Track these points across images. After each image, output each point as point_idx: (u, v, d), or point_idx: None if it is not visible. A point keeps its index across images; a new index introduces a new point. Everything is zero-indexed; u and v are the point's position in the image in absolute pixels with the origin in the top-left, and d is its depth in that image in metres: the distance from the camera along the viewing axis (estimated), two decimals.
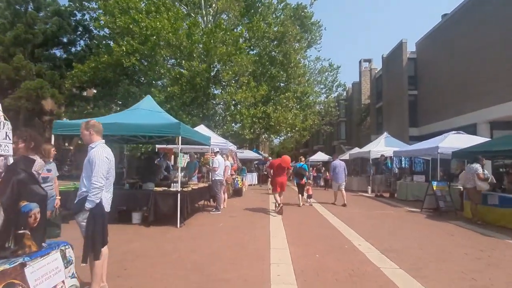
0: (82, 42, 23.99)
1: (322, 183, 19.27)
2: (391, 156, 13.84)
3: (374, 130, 26.74)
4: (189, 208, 6.12)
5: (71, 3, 21.38)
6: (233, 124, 19.58)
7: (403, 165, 13.63)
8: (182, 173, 10.84)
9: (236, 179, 11.63)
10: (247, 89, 18.48)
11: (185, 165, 9.75)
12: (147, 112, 7.09)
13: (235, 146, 14.81)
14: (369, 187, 14.42)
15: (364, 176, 16.57)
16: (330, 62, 31.12)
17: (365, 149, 16.08)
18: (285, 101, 21.01)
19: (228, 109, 19.64)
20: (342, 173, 10.22)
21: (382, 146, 15.08)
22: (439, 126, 17.94)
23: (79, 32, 23.77)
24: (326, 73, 31.72)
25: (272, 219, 7.28)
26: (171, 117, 6.91)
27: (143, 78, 16.64)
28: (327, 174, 18.80)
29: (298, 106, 23.55)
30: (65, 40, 22.94)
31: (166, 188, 6.37)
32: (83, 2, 20.91)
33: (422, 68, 21.29)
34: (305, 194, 10.01)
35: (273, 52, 22.57)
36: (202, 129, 13.41)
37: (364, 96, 31.76)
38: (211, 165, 8.29)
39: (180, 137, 6.13)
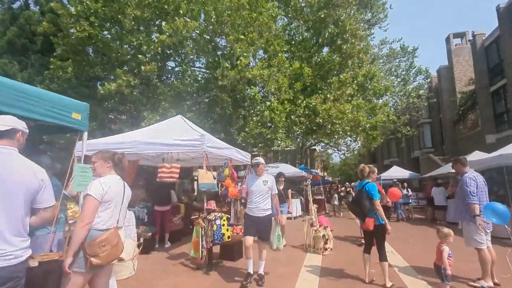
0: None
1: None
2: None
3: (489, 126, 16.96)
4: None
5: None
6: (263, 130, 12.47)
7: None
8: None
9: (218, 220, 4.77)
10: (279, 70, 11.71)
11: None
12: None
13: (246, 154, 7.92)
14: None
15: None
16: (403, 44, 22.72)
17: None
18: (340, 86, 13.59)
19: (253, 104, 13.07)
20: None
21: None
22: None
23: None
24: (398, 59, 23.38)
25: None
26: None
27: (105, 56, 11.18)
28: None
29: (360, 96, 15.74)
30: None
31: None
32: None
33: None
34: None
35: (318, 23, 15.55)
36: (177, 120, 7.17)
37: (460, 82, 21.96)
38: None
39: None
